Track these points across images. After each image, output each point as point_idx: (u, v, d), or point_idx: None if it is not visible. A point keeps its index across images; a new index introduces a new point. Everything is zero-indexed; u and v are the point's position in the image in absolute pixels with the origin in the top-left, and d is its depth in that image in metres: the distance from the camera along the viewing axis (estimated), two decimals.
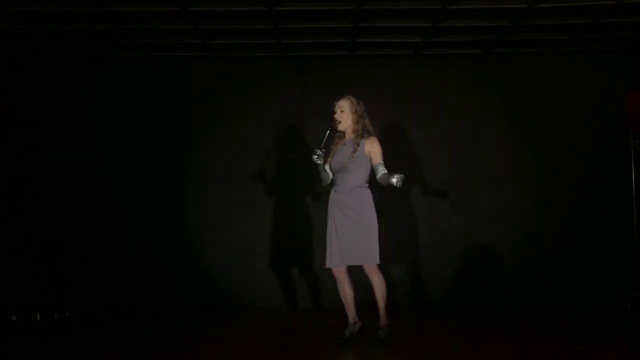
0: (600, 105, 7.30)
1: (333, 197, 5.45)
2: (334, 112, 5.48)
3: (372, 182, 5.47)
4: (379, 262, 5.34)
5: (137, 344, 5.58)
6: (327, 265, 5.46)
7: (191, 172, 7.32)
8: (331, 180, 5.53)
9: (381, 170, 5.32)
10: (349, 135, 5.47)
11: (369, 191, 5.41)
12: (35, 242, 7.05)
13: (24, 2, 5.92)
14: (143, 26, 6.47)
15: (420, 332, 6.05)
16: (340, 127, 5.46)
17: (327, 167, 5.51)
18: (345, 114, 5.44)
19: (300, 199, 7.23)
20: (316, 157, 5.33)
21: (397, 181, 5.14)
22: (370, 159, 5.38)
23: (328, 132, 5.41)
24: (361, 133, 5.41)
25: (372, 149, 5.38)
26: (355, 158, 5.35)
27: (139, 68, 7.38)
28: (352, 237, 5.33)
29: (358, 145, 5.37)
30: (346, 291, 5.48)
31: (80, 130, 7.29)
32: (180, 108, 7.34)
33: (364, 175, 5.41)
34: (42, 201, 7.12)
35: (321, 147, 5.36)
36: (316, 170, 5.54)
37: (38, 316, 6.67)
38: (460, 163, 7.30)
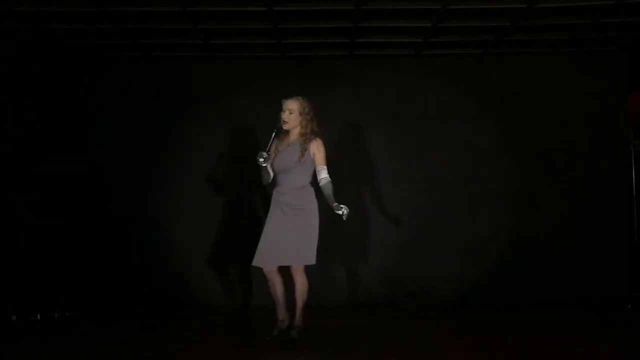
0: (600, 105, 7.30)
1: (277, 197, 5.37)
2: (282, 111, 5.37)
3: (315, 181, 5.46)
4: (314, 263, 5.31)
5: (137, 343, 5.58)
6: (259, 264, 5.33)
7: (192, 172, 7.31)
8: (272, 180, 5.44)
9: (324, 177, 5.32)
10: (295, 137, 5.39)
11: (312, 190, 5.39)
12: (35, 242, 7.05)
13: (24, 2, 5.92)
14: (143, 26, 6.47)
15: (420, 332, 6.05)
16: (287, 127, 5.37)
17: (269, 167, 5.41)
18: (293, 115, 5.34)
19: None
20: (262, 159, 5.25)
21: (344, 214, 5.21)
22: (314, 160, 5.35)
23: (274, 133, 5.35)
24: (309, 136, 5.35)
25: (318, 152, 5.35)
26: (303, 162, 5.33)
27: (139, 68, 7.38)
28: (294, 237, 5.28)
29: (306, 149, 5.33)
30: (278, 290, 5.39)
31: (80, 130, 7.29)
32: (180, 108, 7.34)
33: (309, 177, 5.39)
34: (42, 201, 7.11)
35: (267, 149, 5.29)
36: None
37: (38, 316, 6.67)
38: (460, 163, 7.30)
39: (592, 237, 7.19)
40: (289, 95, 5.41)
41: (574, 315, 6.68)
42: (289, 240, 5.28)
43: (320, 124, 7.19)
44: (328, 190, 5.32)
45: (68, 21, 6.35)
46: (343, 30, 6.62)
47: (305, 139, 5.34)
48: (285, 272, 5.42)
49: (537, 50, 7.26)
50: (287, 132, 5.39)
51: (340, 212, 5.23)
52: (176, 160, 7.33)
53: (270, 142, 5.34)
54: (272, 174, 5.40)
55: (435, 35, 6.75)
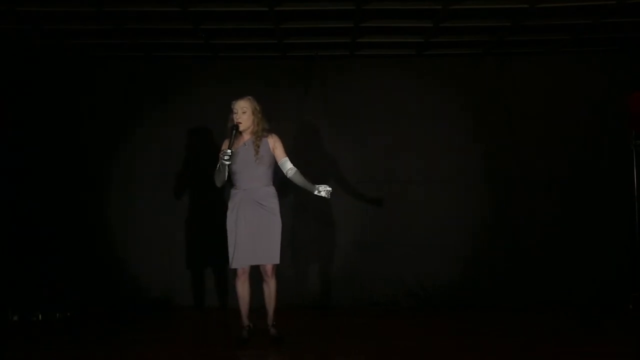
0: (600, 105, 7.30)
1: (243, 196, 5.38)
2: (234, 112, 5.40)
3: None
4: (279, 262, 5.41)
5: (139, 343, 5.58)
6: (235, 266, 5.38)
7: (193, 172, 7.31)
8: (228, 180, 5.45)
9: (290, 167, 5.42)
10: (248, 136, 5.44)
11: (275, 189, 5.47)
12: (37, 242, 7.05)
13: (24, 2, 5.92)
14: (143, 26, 6.47)
15: (419, 332, 6.06)
16: (242, 128, 5.41)
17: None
18: (247, 115, 5.40)
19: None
20: (227, 158, 5.27)
21: (327, 192, 5.35)
22: (274, 156, 5.44)
23: (234, 132, 5.36)
24: (261, 134, 5.42)
25: (276, 146, 5.45)
26: (261, 159, 5.38)
27: (139, 68, 7.37)
28: (264, 235, 5.34)
29: (258, 147, 5.39)
30: (247, 290, 5.46)
31: (80, 130, 7.28)
32: (180, 108, 7.33)
33: (271, 174, 5.47)
34: (42, 201, 7.11)
35: (230, 147, 5.30)
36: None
37: (40, 316, 6.67)
38: (461, 162, 7.31)
39: (593, 237, 7.20)
40: (238, 97, 5.46)
41: (575, 315, 6.68)
42: (260, 239, 5.35)
43: (321, 123, 7.29)
44: (300, 178, 5.43)
45: (68, 21, 6.35)
46: (344, 30, 6.62)
47: (258, 136, 5.42)
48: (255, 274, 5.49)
49: (537, 50, 7.26)
50: (240, 132, 5.43)
51: (323, 194, 5.36)
52: (177, 159, 7.32)
53: (231, 140, 5.35)
54: (226, 175, 5.42)
55: (436, 35, 6.75)
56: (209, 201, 7.24)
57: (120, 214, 7.28)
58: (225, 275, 7.20)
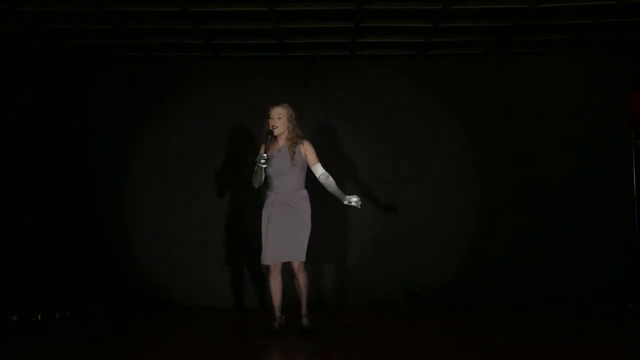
0: (600, 105, 7.30)
1: (274, 198, 5.67)
2: (270, 117, 5.63)
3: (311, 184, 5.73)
4: (304, 260, 5.65)
5: (139, 342, 5.58)
6: (269, 262, 5.66)
7: (192, 172, 7.31)
8: (264, 182, 5.69)
9: (322, 172, 5.67)
10: (283, 142, 5.68)
11: (307, 193, 5.71)
12: (36, 242, 7.05)
13: (24, 2, 5.92)
14: (143, 26, 6.47)
15: (419, 332, 6.06)
16: (276, 133, 5.65)
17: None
18: (282, 120, 5.65)
19: None
20: (263, 161, 5.53)
21: (357, 203, 5.59)
22: (307, 162, 5.68)
23: (269, 137, 5.60)
24: (296, 140, 5.66)
25: (309, 152, 5.69)
26: (295, 165, 5.64)
27: (139, 68, 7.37)
28: (290, 235, 5.61)
29: (294, 153, 5.64)
30: (279, 285, 5.73)
31: (79, 130, 7.28)
32: (180, 108, 7.34)
33: (303, 178, 5.72)
34: (42, 201, 7.11)
35: (266, 151, 5.55)
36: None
37: (39, 316, 6.67)
38: (462, 162, 7.31)
39: (592, 237, 7.20)
40: (275, 102, 5.70)
41: (574, 315, 6.68)
42: (289, 238, 5.62)
43: (321, 123, 7.29)
44: (332, 184, 5.68)
45: (68, 21, 6.35)
46: (344, 30, 6.62)
47: (293, 142, 5.66)
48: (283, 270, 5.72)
49: (537, 50, 7.26)
50: (275, 137, 5.66)
51: (353, 204, 5.61)
52: (177, 159, 7.32)
53: (267, 145, 5.59)
54: (263, 177, 5.66)
55: (436, 35, 6.76)
56: (210, 200, 7.26)
57: (120, 214, 7.27)
58: (228, 276, 7.21)
